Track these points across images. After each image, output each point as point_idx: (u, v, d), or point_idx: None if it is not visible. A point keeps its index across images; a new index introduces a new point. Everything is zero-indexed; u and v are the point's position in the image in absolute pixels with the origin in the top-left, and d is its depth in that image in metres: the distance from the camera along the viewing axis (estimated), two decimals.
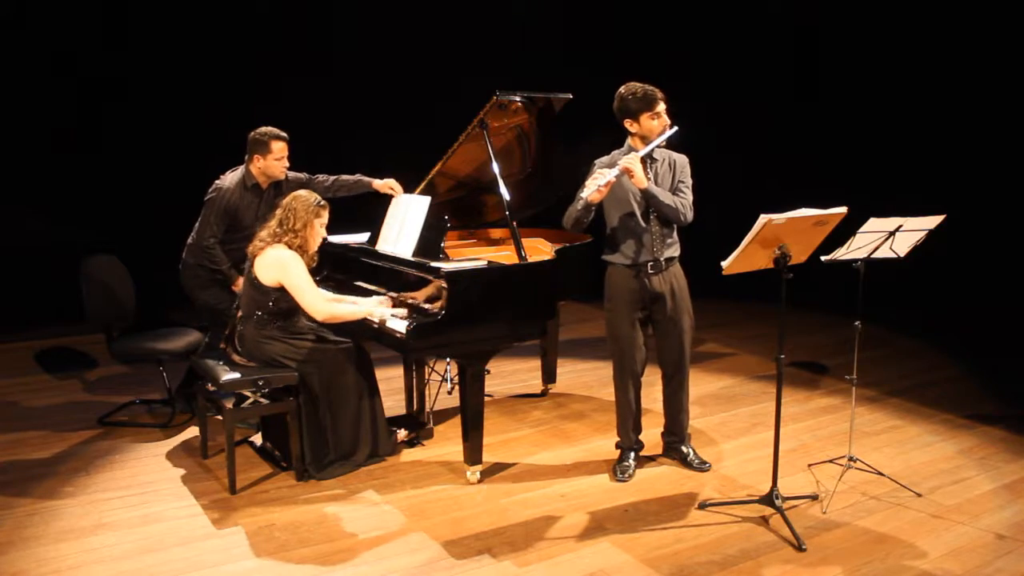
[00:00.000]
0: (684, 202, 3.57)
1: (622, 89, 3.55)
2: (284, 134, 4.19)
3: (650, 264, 3.61)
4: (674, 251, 3.68)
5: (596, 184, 3.40)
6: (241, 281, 4.26)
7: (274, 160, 4.17)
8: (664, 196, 3.52)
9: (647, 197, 3.51)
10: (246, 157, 4.22)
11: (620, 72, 3.88)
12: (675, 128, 3.51)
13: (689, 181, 3.64)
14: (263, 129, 4.16)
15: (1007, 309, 6.34)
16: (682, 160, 3.67)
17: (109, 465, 3.92)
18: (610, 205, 3.63)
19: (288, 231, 3.62)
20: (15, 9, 6.07)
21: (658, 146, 3.56)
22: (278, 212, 3.68)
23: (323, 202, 3.71)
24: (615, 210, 3.63)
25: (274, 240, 3.63)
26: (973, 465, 3.94)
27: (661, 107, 3.52)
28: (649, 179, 3.54)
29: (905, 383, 5.24)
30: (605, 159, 3.64)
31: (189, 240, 4.36)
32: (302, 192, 3.71)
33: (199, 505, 3.49)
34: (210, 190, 4.24)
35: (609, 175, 3.41)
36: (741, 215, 3.52)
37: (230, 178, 4.25)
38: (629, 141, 3.61)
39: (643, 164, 3.50)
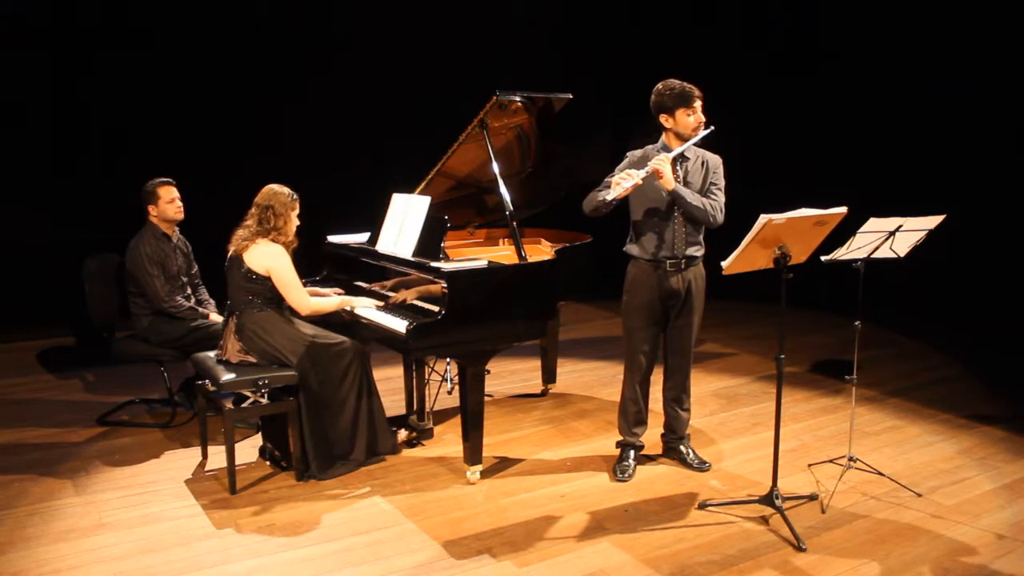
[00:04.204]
0: (714, 204, 3.52)
1: (659, 85, 3.53)
2: (168, 179, 4.41)
3: (670, 261, 3.60)
4: (697, 251, 3.65)
5: (622, 186, 3.37)
6: (213, 315, 4.46)
7: (166, 204, 4.39)
8: (692, 198, 3.48)
9: (674, 198, 3.49)
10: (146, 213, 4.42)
11: (620, 72, 3.88)
12: (711, 128, 3.48)
13: (721, 183, 3.60)
14: (149, 182, 4.38)
15: (1007, 309, 6.34)
16: (715, 160, 3.63)
17: (109, 465, 3.92)
18: (636, 199, 3.61)
19: (271, 228, 3.68)
20: (16, 8, 6.07)
21: (692, 145, 3.54)
22: (254, 211, 3.72)
23: (295, 195, 3.77)
24: (641, 204, 3.61)
25: (257, 236, 3.69)
26: (973, 465, 3.94)
27: (697, 104, 3.49)
28: (678, 178, 3.53)
29: (905, 383, 5.25)
30: (638, 152, 3.62)
31: (140, 317, 4.37)
32: (273, 187, 3.75)
33: (199, 505, 3.49)
34: (127, 257, 4.34)
35: (636, 176, 3.38)
36: (741, 215, 3.52)
37: (136, 239, 4.37)
38: (663, 137, 3.58)
39: (672, 163, 3.48)
